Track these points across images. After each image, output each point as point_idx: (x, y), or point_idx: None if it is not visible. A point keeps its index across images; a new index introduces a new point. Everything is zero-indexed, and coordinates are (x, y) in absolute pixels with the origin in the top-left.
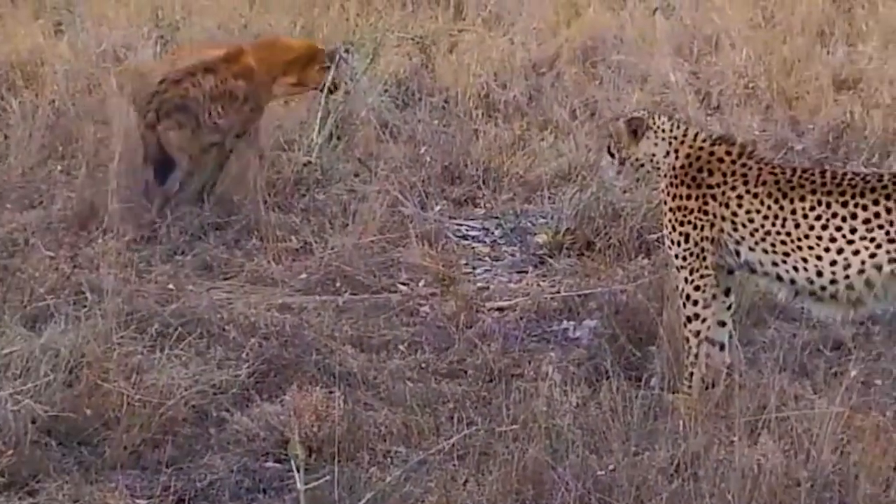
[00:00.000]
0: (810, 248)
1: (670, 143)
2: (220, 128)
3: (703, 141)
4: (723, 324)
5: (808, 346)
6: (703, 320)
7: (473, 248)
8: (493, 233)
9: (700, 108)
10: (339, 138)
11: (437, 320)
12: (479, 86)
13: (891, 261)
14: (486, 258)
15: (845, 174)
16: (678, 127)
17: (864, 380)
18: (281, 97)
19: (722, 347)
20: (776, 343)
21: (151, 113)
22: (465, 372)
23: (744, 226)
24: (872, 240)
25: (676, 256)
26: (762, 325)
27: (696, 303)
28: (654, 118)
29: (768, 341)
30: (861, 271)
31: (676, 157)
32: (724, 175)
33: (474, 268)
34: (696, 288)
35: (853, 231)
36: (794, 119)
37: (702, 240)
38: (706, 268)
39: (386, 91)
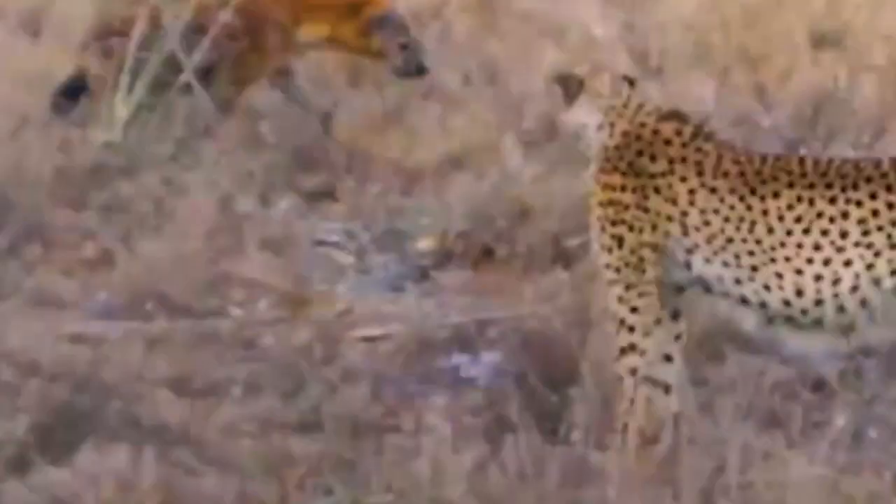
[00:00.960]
0: (787, 259)
1: (606, 114)
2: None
3: (648, 115)
4: (669, 358)
5: (780, 386)
6: (642, 353)
7: (333, 257)
8: (359, 237)
9: (636, 72)
10: (150, 110)
11: (284, 355)
12: None
13: (893, 272)
14: (351, 271)
15: (831, 161)
16: (620, 94)
17: (853, 431)
18: (307, 51)
19: (667, 389)
20: (737, 383)
21: None
22: (322, 424)
23: (697, 230)
24: (869, 246)
25: (608, 267)
26: (719, 359)
27: (632, 329)
28: (594, 78)
29: (727, 381)
30: (854, 288)
31: (611, 134)
32: (672, 162)
33: (334, 284)
34: (633, 310)
35: (844, 235)
36: (760, 86)
37: (640, 246)
38: (647, 283)
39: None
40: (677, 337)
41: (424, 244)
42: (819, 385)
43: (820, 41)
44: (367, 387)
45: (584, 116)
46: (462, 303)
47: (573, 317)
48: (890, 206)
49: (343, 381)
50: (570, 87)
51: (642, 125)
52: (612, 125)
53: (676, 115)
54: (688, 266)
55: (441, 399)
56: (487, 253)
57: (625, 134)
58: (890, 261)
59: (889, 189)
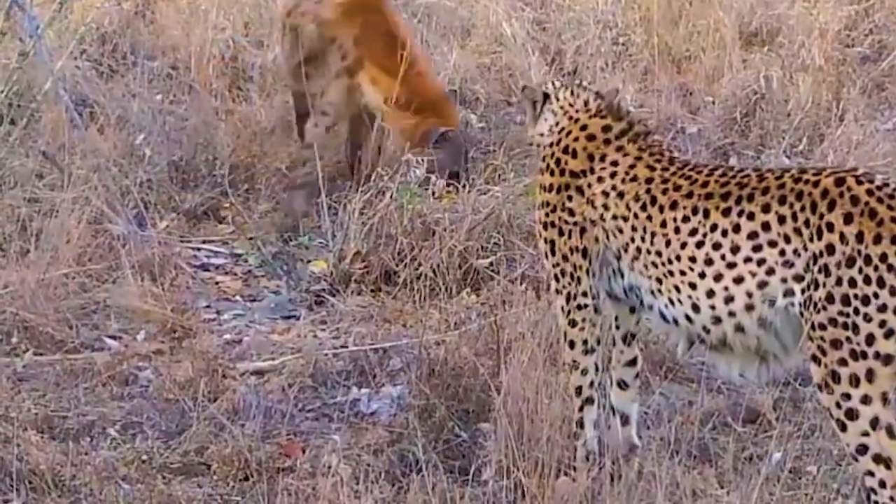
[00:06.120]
0: (682, 272)
1: (555, 115)
2: None
3: (587, 111)
4: (623, 385)
5: (711, 418)
6: (584, 371)
7: (218, 282)
8: (246, 260)
9: (548, 73)
10: (13, 122)
11: (165, 391)
12: (222, 44)
13: (787, 293)
14: (238, 297)
15: (740, 171)
16: (578, 96)
17: (792, 466)
18: None
19: (625, 420)
20: (664, 415)
21: None
22: (208, 466)
23: (614, 236)
24: (761, 262)
25: (550, 275)
26: (644, 389)
27: (572, 344)
28: (558, 90)
29: (652, 412)
30: (749, 307)
31: (557, 133)
32: (592, 159)
33: (219, 312)
34: (572, 323)
35: (735, 250)
36: (685, 88)
37: (571, 252)
38: (583, 295)
39: (83, 52)
40: (631, 362)
41: (319, 267)
42: (753, 416)
43: (750, 39)
44: (257, 425)
45: (543, 126)
46: (361, 331)
47: (484, 344)
48: (783, 217)
49: (231, 418)
50: (536, 101)
51: (575, 121)
52: (558, 125)
53: (612, 110)
54: (620, 275)
55: (339, 437)
56: (388, 276)
57: (562, 132)
58: (784, 279)
59: (782, 201)
